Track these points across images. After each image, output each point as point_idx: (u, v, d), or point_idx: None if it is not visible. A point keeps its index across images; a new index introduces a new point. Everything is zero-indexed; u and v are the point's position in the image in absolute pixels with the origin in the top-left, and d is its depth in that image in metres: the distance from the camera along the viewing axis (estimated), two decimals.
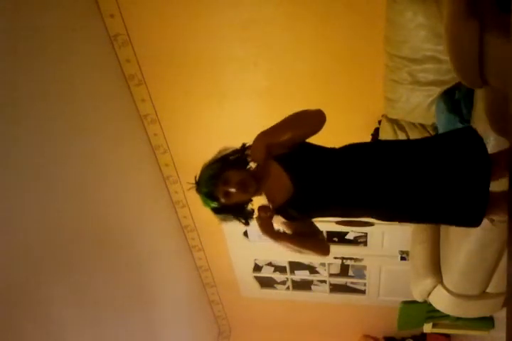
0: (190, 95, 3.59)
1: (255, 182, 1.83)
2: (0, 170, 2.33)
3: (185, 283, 4.82)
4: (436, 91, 2.83)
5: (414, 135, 3.08)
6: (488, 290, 2.77)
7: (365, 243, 4.62)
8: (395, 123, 3.17)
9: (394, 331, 4.91)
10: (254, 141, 1.82)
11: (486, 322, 3.66)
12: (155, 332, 4.00)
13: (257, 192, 1.89)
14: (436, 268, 2.97)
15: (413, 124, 3.13)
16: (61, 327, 2.72)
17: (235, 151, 1.89)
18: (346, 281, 5.21)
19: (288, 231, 1.93)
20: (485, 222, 1.94)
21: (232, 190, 1.79)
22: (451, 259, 2.75)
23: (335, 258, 4.75)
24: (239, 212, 1.91)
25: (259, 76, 3.41)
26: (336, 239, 4.68)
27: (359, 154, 1.93)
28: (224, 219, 1.93)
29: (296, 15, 3.11)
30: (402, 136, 3.11)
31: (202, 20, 3.20)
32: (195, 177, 1.87)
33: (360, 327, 5.52)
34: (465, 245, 2.52)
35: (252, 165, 1.91)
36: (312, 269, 5.14)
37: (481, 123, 2.30)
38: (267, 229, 1.83)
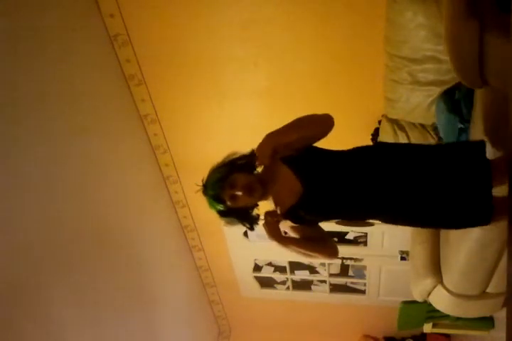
0: (190, 95, 3.59)
1: (261, 187, 1.85)
2: (1, 170, 2.33)
3: (185, 283, 4.82)
4: (436, 91, 2.83)
5: (414, 135, 3.08)
6: (488, 290, 2.77)
7: (365, 243, 4.62)
8: (395, 123, 3.17)
9: (394, 331, 4.91)
10: (261, 142, 1.82)
11: (486, 322, 3.66)
12: (155, 332, 4.00)
13: (263, 197, 1.90)
14: (436, 268, 2.97)
15: (413, 124, 3.13)
16: (61, 327, 2.72)
17: (244, 156, 1.90)
18: (346, 281, 5.21)
19: (296, 236, 1.94)
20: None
21: (239, 193, 1.80)
22: (451, 259, 2.75)
23: None
24: (244, 216, 1.92)
25: (259, 76, 3.41)
26: (336, 239, 4.68)
27: (367, 157, 1.93)
28: (229, 223, 1.94)
29: (296, 15, 3.11)
30: (402, 136, 3.11)
31: (202, 20, 3.20)
32: (203, 179, 1.89)
33: (360, 327, 5.52)
34: (465, 245, 2.52)
35: (260, 169, 1.92)
36: (312, 269, 5.14)
37: (480, 123, 2.30)
38: (275, 234, 1.84)
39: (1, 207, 2.32)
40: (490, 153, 2.05)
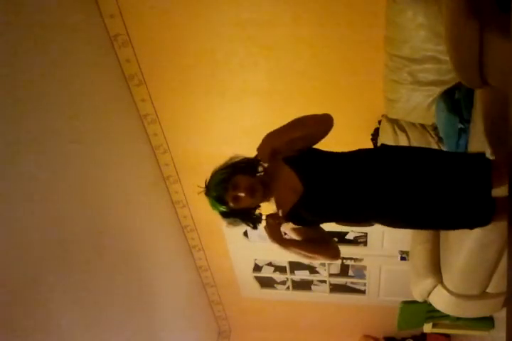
0: (190, 95, 3.59)
1: (262, 188, 1.86)
2: (1, 169, 2.33)
3: (185, 283, 4.82)
4: (436, 91, 2.83)
5: (414, 135, 3.08)
6: (488, 290, 2.77)
7: (365, 243, 4.62)
8: (395, 123, 3.17)
9: (394, 331, 4.91)
10: (261, 141, 1.86)
11: (486, 322, 3.66)
12: (155, 332, 4.00)
13: (265, 198, 1.92)
14: (436, 268, 2.97)
15: (413, 124, 3.13)
16: (61, 327, 2.72)
17: (246, 158, 1.92)
18: (346, 281, 5.21)
19: (297, 238, 1.94)
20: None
21: (241, 194, 1.82)
22: (452, 259, 2.75)
23: None
24: (247, 216, 1.93)
25: (259, 76, 3.41)
26: (336, 239, 4.68)
27: (368, 159, 1.95)
28: (232, 223, 1.95)
29: (296, 15, 3.11)
30: (402, 136, 3.11)
31: (202, 20, 3.20)
32: (205, 181, 1.90)
33: (360, 327, 5.52)
34: (465, 245, 2.52)
35: (261, 170, 1.94)
36: (312, 269, 5.14)
37: (480, 123, 2.30)
38: (276, 236, 1.85)
39: (1, 207, 2.32)
40: (490, 153, 2.06)
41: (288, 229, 1.94)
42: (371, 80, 3.20)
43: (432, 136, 3.03)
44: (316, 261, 1.96)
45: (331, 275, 5.10)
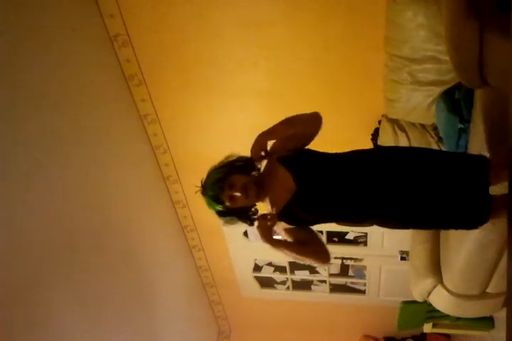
0: (190, 95, 3.59)
1: (256, 187, 1.88)
2: (1, 170, 2.33)
3: (185, 283, 4.82)
4: (436, 91, 2.83)
5: (414, 135, 3.08)
6: (488, 290, 2.77)
7: (365, 243, 4.62)
8: (395, 123, 3.17)
9: (394, 331, 4.91)
10: (253, 142, 1.91)
11: (486, 322, 3.66)
12: (155, 332, 4.00)
13: (260, 197, 1.93)
14: (436, 268, 2.97)
15: (413, 124, 3.13)
16: (61, 327, 2.72)
17: (242, 158, 1.94)
18: (346, 281, 5.21)
19: (289, 239, 1.94)
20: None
21: (237, 194, 1.84)
22: (452, 259, 2.75)
23: (335, 258, 4.75)
24: (243, 215, 1.94)
25: (259, 76, 3.41)
26: (336, 239, 4.68)
27: (361, 159, 1.97)
28: (228, 222, 1.97)
29: (296, 15, 3.11)
30: (402, 136, 3.11)
31: (202, 20, 3.20)
32: (202, 180, 1.92)
33: (360, 327, 5.52)
34: (465, 245, 2.52)
35: (257, 169, 1.96)
36: (312, 269, 5.13)
37: (480, 123, 2.30)
38: (268, 236, 1.87)
39: (1, 207, 2.32)
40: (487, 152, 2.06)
41: (280, 230, 1.94)
42: (371, 80, 3.20)
43: (431, 136, 3.03)
44: (306, 263, 1.95)
45: (331, 275, 5.10)
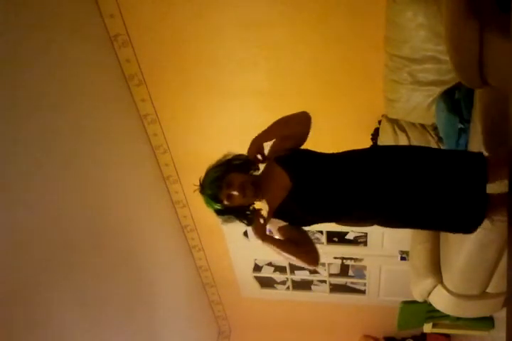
0: (190, 95, 3.59)
1: (253, 187, 1.89)
2: (1, 170, 2.33)
3: (185, 283, 4.82)
4: (436, 91, 2.83)
5: (414, 135, 3.08)
6: (488, 290, 2.77)
7: (365, 243, 4.62)
8: (395, 123, 3.17)
9: (394, 331, 4.91)
10: (249, 144, 1.97)
11: (486, 322, 3.66)
12: (155, 332, 4.00)
13: (257, 196, 1.94)
14: (436, 268, 2.97)
15: (413, 124, 3.13)
16: (61, 327, 2.72)
17: (239, 156, 1.96)
18: (346, 281, 5.21)
19: (281, 238, 1.95)
20: (485, 221, 1.96)
21: (235, 192, 1.85)
22: (452, 259, 2.75)
23: (335, 258, 4.75)
24: (241, 213, 1.95)
25: (259, 76, 3.41)
26: (336, 239, 4.68)
27: (357, 158, 1.98)
28: (226, 221, 1.97)
29: (297, 15, 3.11)
30: (402, 136, 3.11)
31: (202, 20, 3.20)
32: (200, 179, 1.93)
33: (360, 327, 5.52)
34: (465, 245, 2.52)
35: (255, 169, 1.99)
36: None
37: (480, 123, 2.30)
38: (260, 232, 1.88)
39: (1, 207, 2.32)
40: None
41: (274, 228, 1.95)
42: (371, 80, 3.20)
43: (431, 136, 3.03)
44: (294, 262, 1.95)
45: (331, 275, 5.10)
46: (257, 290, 5.38)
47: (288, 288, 5.36)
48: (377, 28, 2.90)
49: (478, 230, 1.98)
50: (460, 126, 2.57)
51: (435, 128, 2.97)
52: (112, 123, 3.42)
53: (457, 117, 2.58)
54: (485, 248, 2.45)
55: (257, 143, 1.95)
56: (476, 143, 2.33)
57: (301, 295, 5.38)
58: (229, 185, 1.86)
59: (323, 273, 5.12)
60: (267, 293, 5.40)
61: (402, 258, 4.44)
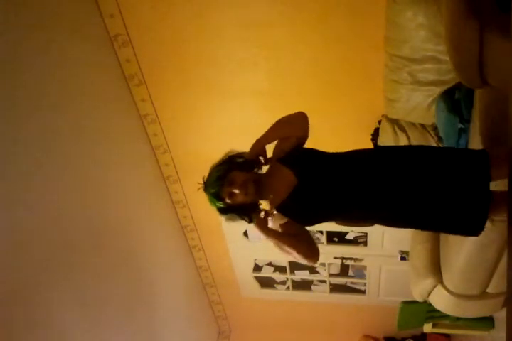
0: (190, 95, 3.59)
1: (255, 184, 1.90)
2: (1, 170, 2.33)
3: (185, 283, 4.82)
4: (436, 91, 2.83)
5: (414, 135, 3.08)
6: (488, 290, 2.77)
7: (365, 243, 4.62)
8: (395, 123, 3.17)
9: (394, 331, 4.91)
10: (250, 148, 1.99)
11: (486, 322, 3.66)
12: (155, 332, 4.00)
13: (258, 195, 1.95)
14: (436, 268, 2.97)
15: (413, 124, 3.13)
16: (61, 327, 2.72)
17: (242, 154, 1.98)
18: (346, 281, 5.21)
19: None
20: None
21: (236, 190, 1.86)
22: (452, 259, 2.75)
23: (335, 258, 4.75)
24: (243, 212, 1.96)
25: (259, 76, 3.41)
26: (336, 239, 4.68)
27: (362, 158, 1.99)
28: (230, 219, 1.99)
29: (296, 16, 3.11)
30: (402, 136, 3.11)
31: (202, 20, 3.20)
32: (203, 177, 1.95)
33: (360, 327, 5.52)
34: (465, 245, 2.52)
35: (259, 167, 2.02)
36: (312, 269, 5.13)
37: (480, 123, 2.30)
38: (263, 226, 1.90)
39: (1, 207, 2.32)
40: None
41: (276, 224, 1.96)
42: (371, 80, 3.20)
43: (431, 136, 3.03)
44: (295, 259, 1.96)
45: (331, 275, 5.10)
46: (257, 290, 5.38)
47: (288, 288, 5.36)
48: (377, 28, 2.90)
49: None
50: (460, 126, 2.57)
51: (435, 128, 2.97)
52: (111, 123, 3.42)
53: (457, 117, 2.58)
54: (485, 248, 2.45)
55: (258, 146, 1.98)
56: (476, 143, 2.33)
57: (301, 295, 5.38)
58: (231, 183, 1.87)
59: (323, 273, 5.12)
60: (267, 293, 5.40)
61: (402, 258, 4.45)
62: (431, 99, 2.89)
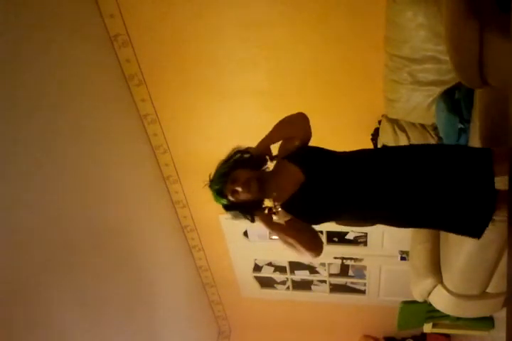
0: (190, 95, 3.59)
1: (258, 183, 1.91)
2: (1, 170, 2.33)
3: (185, 283, 4.82)
4: (436, 91, 2.83)
5: (414, 135, 3.08)
6: (488, 290, 2.77)
7: (365, 243, 4.62)
8: (395, 123, 3.17)
9: (394, 331, 4.91)
10: (255, 147, 2.01)
11: (486, 322, 3.66)
12: (155, 332, 4.00)
13: (262, 193, 1.95)
14: (436, 268, 2.97)
15: (413, 124, 3.13)
16: (61, 327, 2.72)
17: (249, 148, 2.00)
18: (346, 281, 5.21)
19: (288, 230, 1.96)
20: None
21: (239, 188, 1.87)
22: (452, 259, 2.75)
23: (335, 258, 4.75)
24: (247, 210, 1.96)
25: (259, 76, 3.41)
26: (336, 239, 4.68)
27: (367, 158, 2.01)
28: (234, 216, 2.00)
29: (297, 15, 3.11)
30: (402, 136, 3.11)
31: (202, 20, 3.20)
32: (210, 174, 1.97)
33: (360, 327, 5.52)
34: (465, 245, 2.52)
35: (265, 165, 2.03)
36: (312, 269, 5.14)
37: (480, 123, 2.30)
38: (267, 221, 1.92)
39: (1, 207, 2.32)
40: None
41: (281, 221, 1.96)
42: (371, 80, 3.20)
43: (431, 136, 3.03)
44: (299, 253, 1.96)
45: (331, 275, 5.10)
46: (257, 290, 5.38)
47: (288, 288, 5.36)
48: (377, 28, 2.90)
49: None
50: (460, 126, 2.57)
51: (435, 128, 2.97)
52: (112, 123, 3.42)
53: (457, 117, 2.58)
54: (485, 248, 2.45)
55: (263, 145, 2.00)
56: (476, 143, 2.33)
57: (301, 295, 5.38)
58: (234, 180, 1.88)
59: (323, 273, 5.13)
60: (267, 293, 5.41)
61: (402, 258, 4.45)
62: (431, 99, 2.89)
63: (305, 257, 1.96)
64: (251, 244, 4.75)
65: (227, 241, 4.72)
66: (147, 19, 3.25)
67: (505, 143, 1.69)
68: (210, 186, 1.95)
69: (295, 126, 2.03)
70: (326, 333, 5.51)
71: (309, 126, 2.02)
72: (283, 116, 2.03)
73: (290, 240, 1.90)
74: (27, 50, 2.58)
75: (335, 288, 5.26)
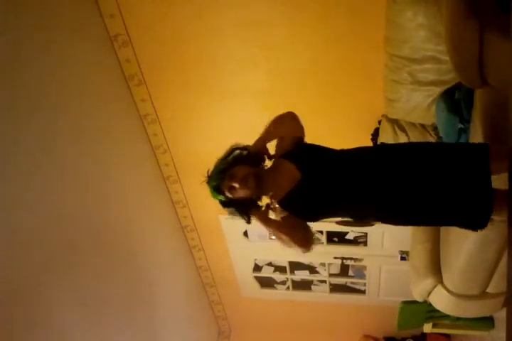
0: (190, 95, 3.59)
1: (255, 179, 1.92)
2: (1, 170, 2.33)
3: (185, 283, 4.82)
4: (436, 91, 2.83)
5: (414, 135, 3.08)
6: (488, 290, 2.77)
7: (365, 243, 4.62)
8: (395, 123, 3.17)
9: (394, 331, 4.91)
10: (252, 145, 2.05)
11: (486, 322, 3.66)
12: (155, 332, 4.00)
13: (259, 190, 1.96)
14: (436, 268, 2.97)
15: (413, 124, 3.13)
16: (61, 327, 2.72)
17: (246, 147, 2.02)
18: (346, 281, 5.21)
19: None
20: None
21: (236, 185, 1.88)
22: (452, 259, 2.75)
23: (335, 258, 4.75)
24: (243, 208, 1.97)
25: (259, 76, 3.41)
26: (336, 239, 4.68)
27: (365, 155, 2.02)
28: (232, 213, 2.01)
29: (296, 16, 3.11)
30: (402, 136, 3.11)
31: (202, 20, 3.20)
32: (208, 170, 1.98)
33: (360, 327, 5.52)
34: (465, 245, 2.52)
35: (263, 162, 2.05)
36: (312, 269, 5.14)
37: (480, 123, 2.30)
38: (262, 217, 1.94)
39: (1, 207, 2.32)
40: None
41: (277, 217, 1.97)
42: (371, 80, 3.20)
43: (431, 136, 3.03)
44: (290, 245, 1.99)
45: (331, 275, 5.10)
46: (257, 290, 5.38)
47: (288, 288, 5.36)
48: (377, 28, 2.90)
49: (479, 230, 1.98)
50: (460, 126, 2.57)
51: (435, 128, 2.97)
52: (112, 123, 3.42)
53: (457, 117, 2.58)
54: (485, 248, 2.45)
55: (260, 143, 2.02)
56: None
57: (301, 295, 5.38)
58: (231, 177, 1.89)
59: (323, 273, 5.12)
60: (267, 293, 5.41)
61: (402, 258, 4.44)
62: (431, 99, 2.89)
63: (297, 251, 1.98)
64: (251, 244, 4.75)
65: (227, 241, 4.72)
66: (147, 19, 3.25)
67: (505, 143, 1.69)
68: (208, 182, 1.96)
69: (290, 124, 2.05)
70: (326, 333, 5.51)
71: (300, 125, 2.04)
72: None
73: (284, 237, 1.92)
74: (27, 50, 2.58)
75: (335, 288, 5.26)
